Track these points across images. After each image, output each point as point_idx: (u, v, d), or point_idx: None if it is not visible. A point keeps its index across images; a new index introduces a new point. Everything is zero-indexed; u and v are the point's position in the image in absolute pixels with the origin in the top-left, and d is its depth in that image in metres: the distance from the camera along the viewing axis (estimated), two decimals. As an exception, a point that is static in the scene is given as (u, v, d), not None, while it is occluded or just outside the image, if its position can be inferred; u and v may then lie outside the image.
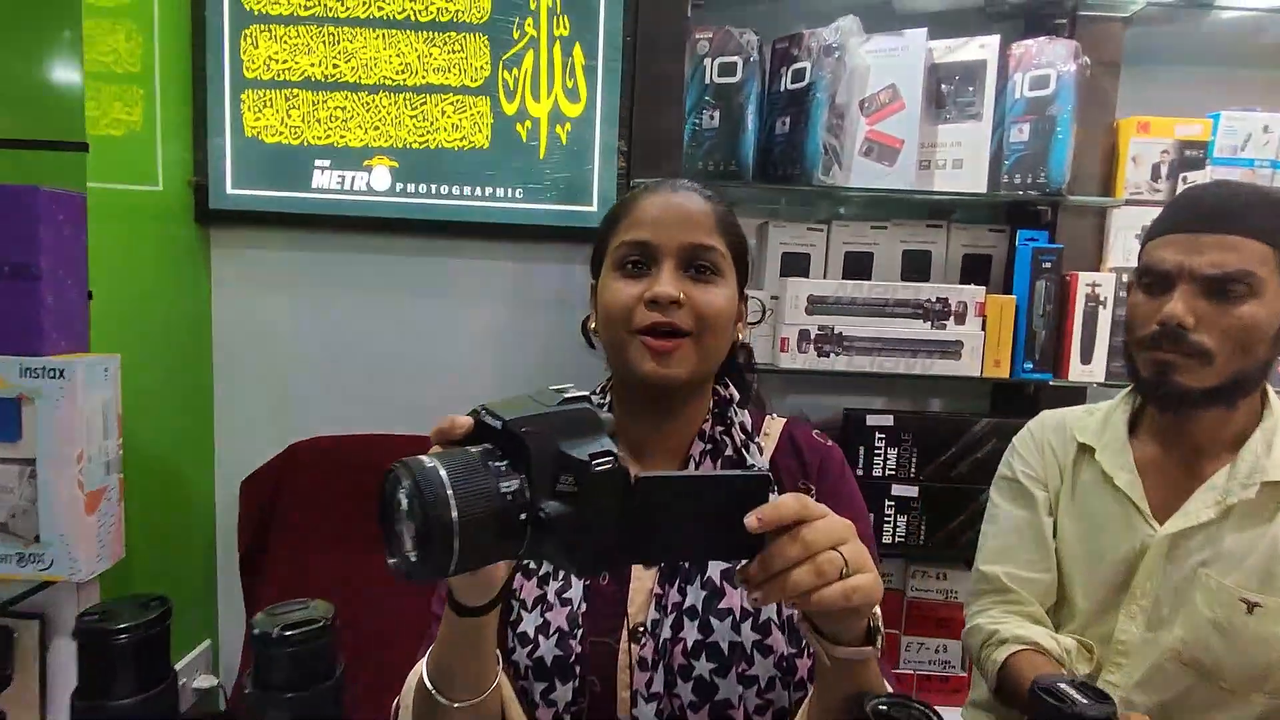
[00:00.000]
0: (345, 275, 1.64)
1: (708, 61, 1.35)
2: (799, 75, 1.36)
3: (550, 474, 0.50)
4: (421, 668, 0.71)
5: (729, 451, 0.85)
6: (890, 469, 1.45)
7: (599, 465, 0.50)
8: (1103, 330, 1.40)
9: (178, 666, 1.41)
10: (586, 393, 0.55)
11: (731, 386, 0.90)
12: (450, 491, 0.47)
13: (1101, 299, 1.39)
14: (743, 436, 0.85)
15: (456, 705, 0.67)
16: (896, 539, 1.45)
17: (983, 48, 1.37)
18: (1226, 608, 0.90)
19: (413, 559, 0.48)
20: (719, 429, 0.86)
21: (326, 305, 1.64)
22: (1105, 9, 1.39)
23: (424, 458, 0.49)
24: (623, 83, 1.54)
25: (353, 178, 1.57)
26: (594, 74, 1.55)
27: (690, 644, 0.77)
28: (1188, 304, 0.89)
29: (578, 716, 0.77)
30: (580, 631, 0.78)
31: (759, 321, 0.92)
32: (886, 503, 1.44)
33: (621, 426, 0.87)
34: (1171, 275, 0.91)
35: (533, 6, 1.53)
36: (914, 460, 1.45)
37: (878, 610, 0.63)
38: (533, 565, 0.81)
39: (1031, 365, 1.41)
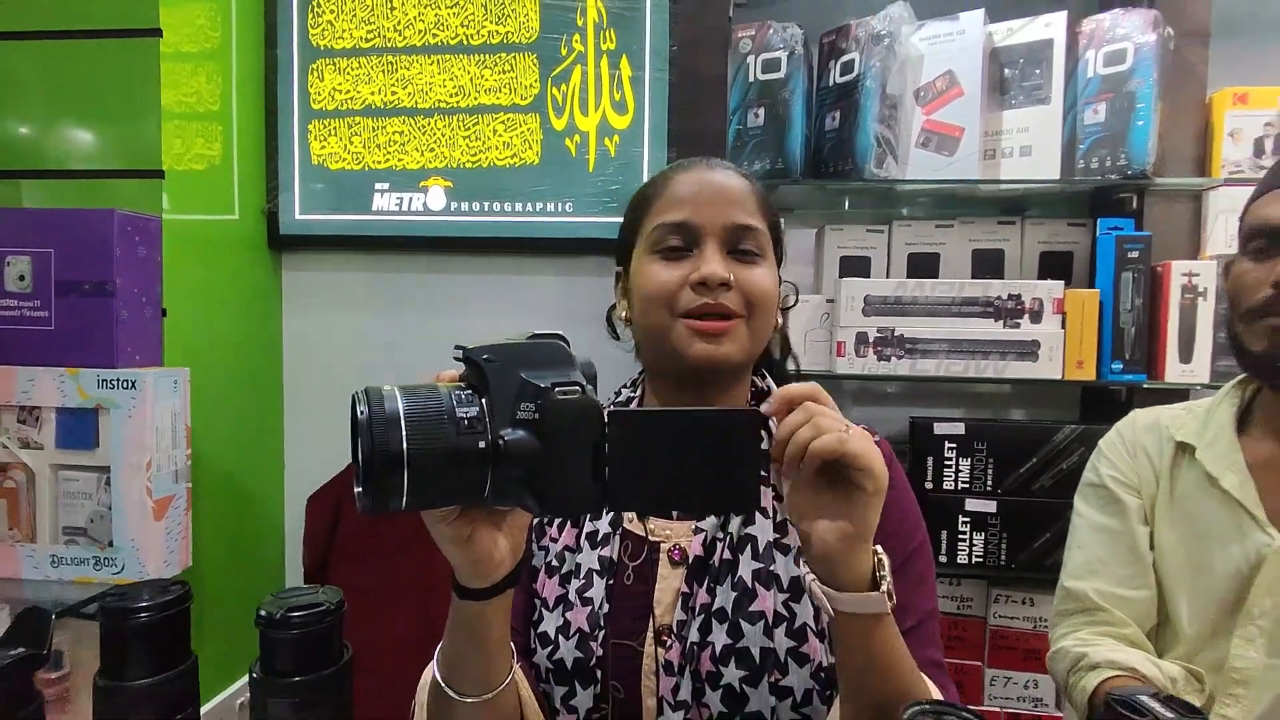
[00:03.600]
0: (405, 294, 1.68)
1: (750, 59, 1.32)
2: (847, 67, 1.31)
3: (511, 401, 0.47)
4: (434, 662, 0.68)
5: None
6: (963, 482, 1.33)
7: (561, 393, 0.47)
8: (1204, 325, 1.25)
9: (243, 680, 1.45)
10: (560, 332, 0.52)
11: (769, 379, 0.85)
12: (402, 418, 0.45)
13: (1200, 290, 1.25)
14: None
15: (467, 700, 0.63)
16: (974, 559, 1.33)
17: (1048, 26, 1.28)
18: (1367, 629, 0.77)
19: (361, 490, 0.46)
20: None
21: (388, 324, 1.69)
22: (1189, -25, 1.28)
23: (385, 385, 0.48)
24: (670, 92, 1.53)
25: (410, 199, 1.62)
26: (641, 85, 1.54)
27: (719, 649, 0.71)
28: None
29: None
30: (602, 633, 0.73)
31: (793, 305, 0.87)
32: (960, 519, 1.32)
33: None
34: None
35: (580, 23, 1.56)
36: (990, 473, 1.33)
37: (884, 558, 0.58)
38: (555, 562, 0.77)
39: (1121, 365, 1.28)
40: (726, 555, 0.73)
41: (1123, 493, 0.96)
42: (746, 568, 0.72)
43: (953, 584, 1.41)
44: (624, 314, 0.84)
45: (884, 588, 0.57)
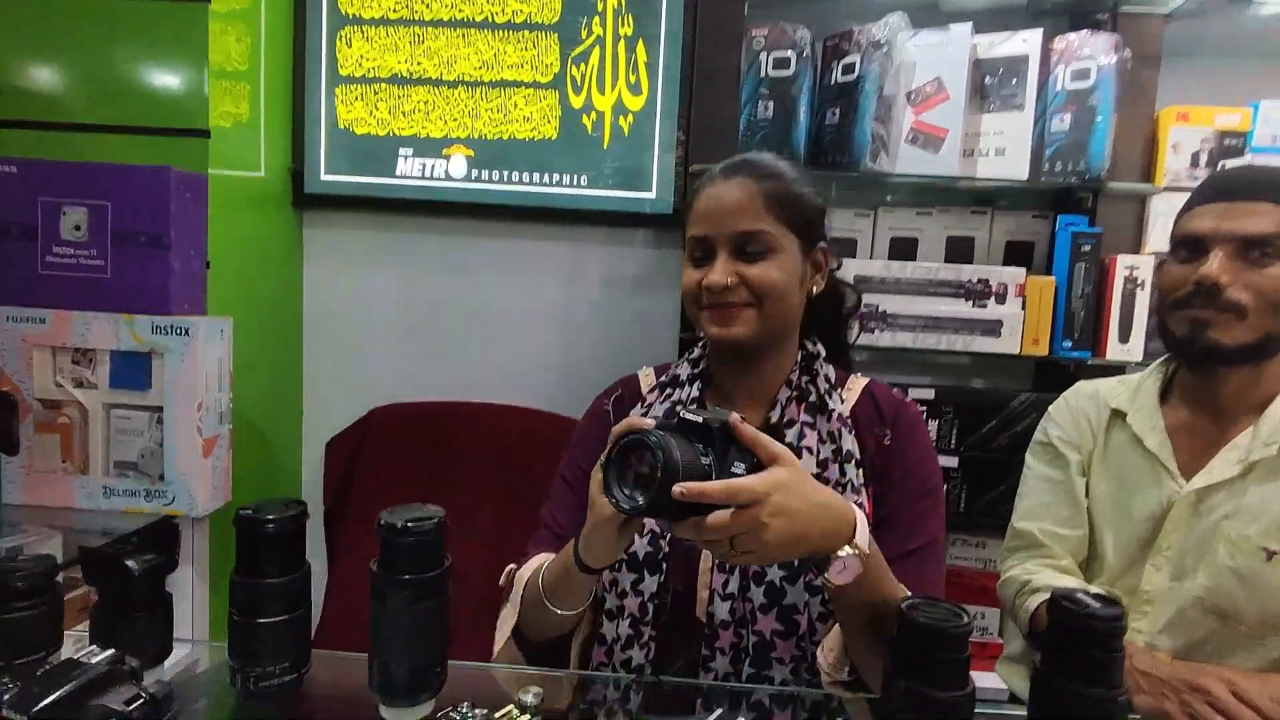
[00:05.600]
0: (423, 255, 1.78)
1: (763, 56, 1.45)
2: (849, 69, 1.45)
3: (730, 454, 0.73)
4: (543, 567, 0.88)
5: (813, 398, 0.95)
6: (932, 440, 1.52)
7: (751, 455, 0.73)
8: (1141, 311, 1.45)
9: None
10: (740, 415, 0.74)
11: (819, 343, 1.00)
12: (679, 461, 0.69)
13: (1140, 281, 1.45)
14: (826, 385, 0.95)
15: (558, 612, 0.86)
16: (936, 508, 1.52)
17: (1025, 42, 1.44)
18: (1247, 556, 0.97)
19: (640, 500, 0.70)
20: (805, 379, 0.96)
21: (405, 283, 1.79)
22: (1146, 4, 1.45)
23: (663, 434, 0.70)
24: (682, 78, 1.66)
25: (433, 165, 1.71)
26: (655, 70, 1.66)
27: None
28: (1222, 264, 0.96)
29: (660, 610, 0.89)
30: (670, 534, 0.89)
31: (838, 267, 1.02)
32: (927, 473, 1.51)
33: (715, 377, 1.00)
34: (1206, 240, 0.98)
35: (600, 7, 1.66)
36: (955, 432, 1.52)
37: (862, 544, 0.74)
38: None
39: (1070, 344, 1.48)
40: None
41: (1066, 450, 1.14)
42: None
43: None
44: None
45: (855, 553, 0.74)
